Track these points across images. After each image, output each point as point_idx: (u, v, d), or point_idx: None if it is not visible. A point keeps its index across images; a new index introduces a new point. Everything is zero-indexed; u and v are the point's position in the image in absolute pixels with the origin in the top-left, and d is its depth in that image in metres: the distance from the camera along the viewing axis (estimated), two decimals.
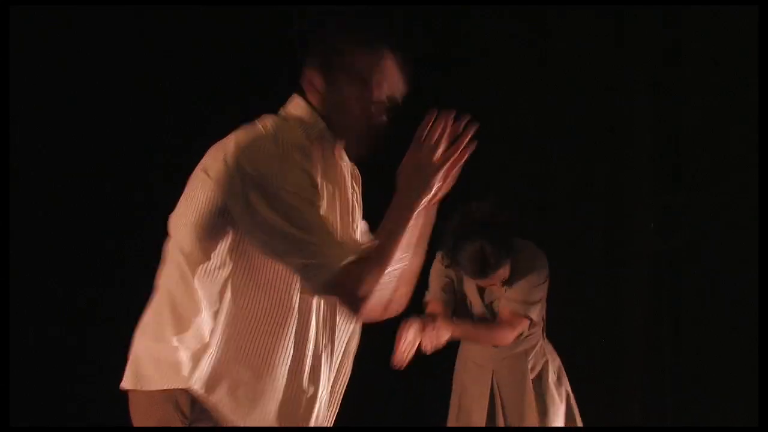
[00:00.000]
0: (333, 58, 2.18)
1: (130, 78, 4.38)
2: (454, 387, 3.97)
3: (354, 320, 2.25)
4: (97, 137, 4.34)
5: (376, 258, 2.05)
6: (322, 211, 2.09)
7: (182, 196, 2.18)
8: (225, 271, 2.09)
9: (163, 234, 2.21)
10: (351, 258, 2.03)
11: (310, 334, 2.16)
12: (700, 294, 5.01)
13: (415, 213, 2.09)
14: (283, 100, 2.26)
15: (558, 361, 3.91)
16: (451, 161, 2.08)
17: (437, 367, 4.84)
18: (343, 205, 2.24)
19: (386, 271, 2.06)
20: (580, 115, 5.07)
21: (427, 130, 2.07)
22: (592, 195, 5.16)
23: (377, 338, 2.18)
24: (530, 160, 5.09)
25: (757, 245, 4.19)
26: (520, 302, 3.69)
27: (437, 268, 3.80)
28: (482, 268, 3.57)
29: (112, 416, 2.17)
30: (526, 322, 3.72)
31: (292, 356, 2.13)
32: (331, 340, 2.22)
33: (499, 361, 3.81)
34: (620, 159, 5.15)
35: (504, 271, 3.65)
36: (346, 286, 2.03)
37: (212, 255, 2.08)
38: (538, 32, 5.06)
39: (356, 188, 2.33)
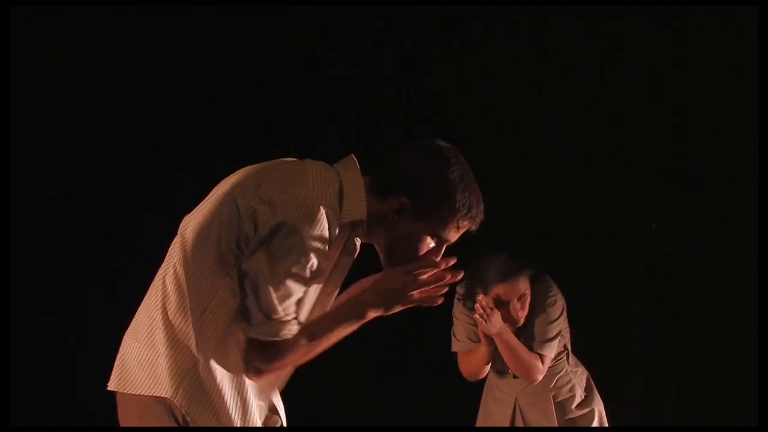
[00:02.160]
0: (431, 212, 2.13)
1: (131, 78, 4.38)
2: (479, 413, 3.95)
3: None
4: (97, 137, 4.34)
5: (306, 345, 2.08)
6: (307, 289, 2.08)
7: (204, 202, 2.14)
8: (217, 295, 2.05)
9: (164, 233, 2.20)
10: (289, 334, 2.05)
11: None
12: (702, 296, 5.00)
13: (363, 323, 2.13)
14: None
15: (586, 379, 3.87)
16: (424, 303, 2.13)
17: (436, 371, 4.84)
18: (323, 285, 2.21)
19: (305, 359, 2.11)
20: (581, 116, 5.06)
21: (424, 269, 2.10)
22: (593, 197, 5.15)
23: (380, 340, 2.16)
24: (530, 163, 5.08)
25: (757, 247, 4.19)
26: (536, 340, 3.69)
27: (461, 317, 3.79)
28: (505, 271, 3.60)
29: (111, 417, 2.16)
30: (542, 360, 3.70)
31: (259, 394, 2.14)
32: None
33: (522, 389, 3.80)
34: (621, 161, 5.14)
35: (524, 284, 3.67)
36: (268, 352, 2.05)
37: (211, 271, 2.04)
38: (537, 31, 5.05)
39: (346, 260, 2.25)
